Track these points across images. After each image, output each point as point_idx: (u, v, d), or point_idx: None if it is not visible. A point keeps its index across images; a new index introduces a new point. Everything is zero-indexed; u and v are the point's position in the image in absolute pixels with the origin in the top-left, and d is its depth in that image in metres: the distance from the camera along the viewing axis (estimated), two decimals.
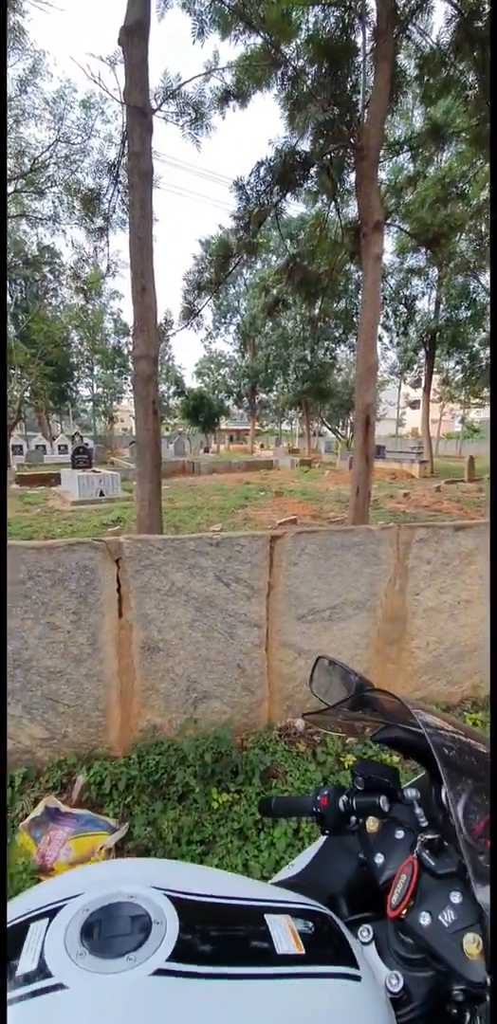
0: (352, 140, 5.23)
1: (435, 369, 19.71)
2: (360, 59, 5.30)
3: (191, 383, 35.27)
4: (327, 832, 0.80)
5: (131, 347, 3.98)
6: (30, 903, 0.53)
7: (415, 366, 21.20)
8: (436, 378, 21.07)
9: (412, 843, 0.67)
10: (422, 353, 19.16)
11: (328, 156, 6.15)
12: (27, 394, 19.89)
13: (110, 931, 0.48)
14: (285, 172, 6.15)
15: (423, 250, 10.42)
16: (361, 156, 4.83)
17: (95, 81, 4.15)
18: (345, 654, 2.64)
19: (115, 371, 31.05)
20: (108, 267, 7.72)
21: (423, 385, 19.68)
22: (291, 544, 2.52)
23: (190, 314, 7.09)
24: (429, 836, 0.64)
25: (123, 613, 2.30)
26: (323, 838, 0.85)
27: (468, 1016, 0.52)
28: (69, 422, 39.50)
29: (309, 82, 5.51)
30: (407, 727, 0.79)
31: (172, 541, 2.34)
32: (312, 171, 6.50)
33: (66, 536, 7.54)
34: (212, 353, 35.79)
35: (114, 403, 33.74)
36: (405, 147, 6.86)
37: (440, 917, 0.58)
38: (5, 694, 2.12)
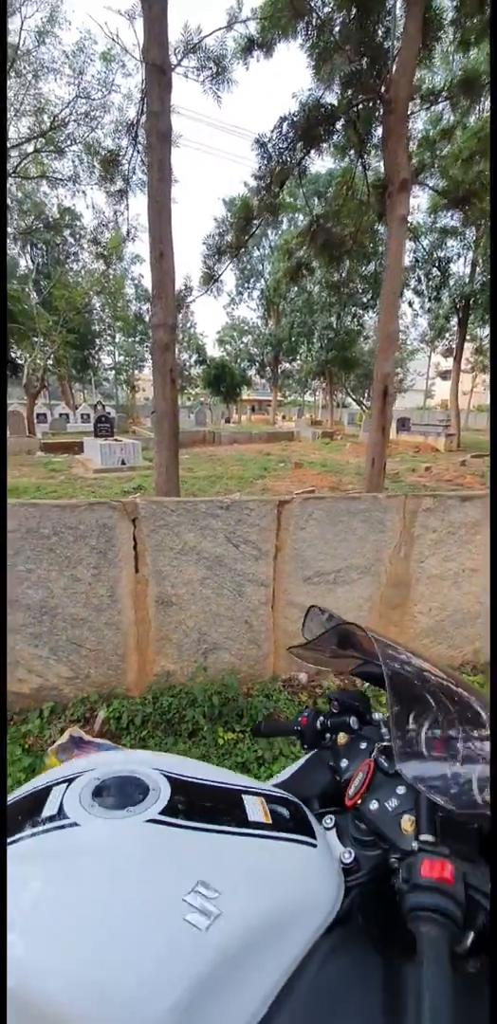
0: (380, 92, 4.98)
1: (468, 337, 18.74)
2: (390, 3, 4.98)
3: (213, 351, 34.90)
4: (306, 747, 0.95)
5: (150, 314, 4.05)
6: (52, 776, 0.71)
7: (447, 334, 20.22)
8: (469, 347, 20.09)
9: (372, 751, 0.81)
10: (455, 320, 18.25)
11: (355, 109, 5.87)
12: (50, 362, 20.09)
13: (115, 793, 0.64)
14: (309, 127, 5.91)
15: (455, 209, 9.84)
16: (389, 109, 4.61)
17: (113, 39, 4.09)
18: (349, 616, 2.74)
19: (137, 339, 30.87)
20: (128, 231, 7.66)
21: (454, 354, 18.83)
22: (299, 509, 2.63)
23: (210, 280, 7.03)
24: (385, 744, 0.78)
25: (139, 569, 2.48)
26: (306, 756, 1.00)
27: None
28: (91, 391, 39.94)
29: (336, 30, 5.22)
30: (379, 662, 0.91)
31: (185, 503, 2.49)
32: (338, 125, 6.21)
33: None
34: (235, 320, 35.14)
35: (136, 372, 33.76)
36: (439, 98, 6.43)
37: (386, 803, 0.72)
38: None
